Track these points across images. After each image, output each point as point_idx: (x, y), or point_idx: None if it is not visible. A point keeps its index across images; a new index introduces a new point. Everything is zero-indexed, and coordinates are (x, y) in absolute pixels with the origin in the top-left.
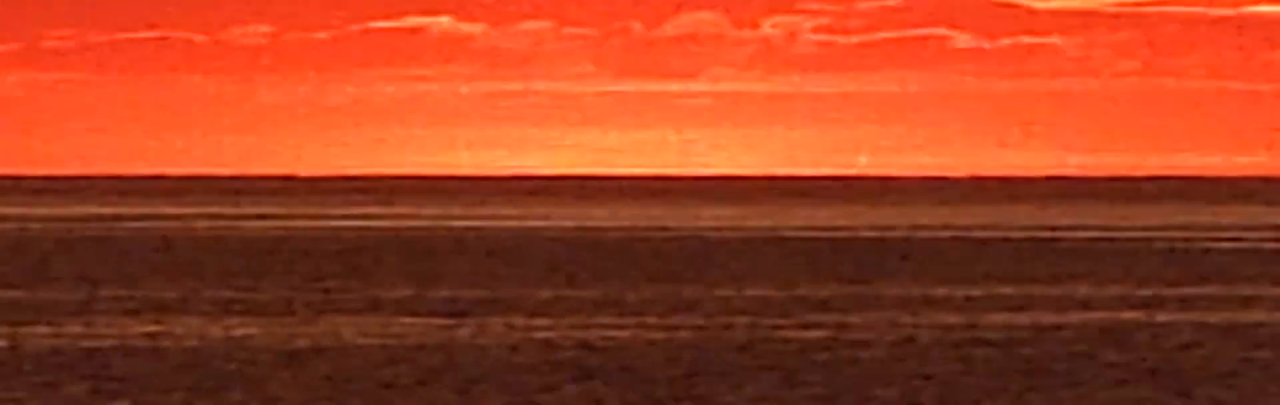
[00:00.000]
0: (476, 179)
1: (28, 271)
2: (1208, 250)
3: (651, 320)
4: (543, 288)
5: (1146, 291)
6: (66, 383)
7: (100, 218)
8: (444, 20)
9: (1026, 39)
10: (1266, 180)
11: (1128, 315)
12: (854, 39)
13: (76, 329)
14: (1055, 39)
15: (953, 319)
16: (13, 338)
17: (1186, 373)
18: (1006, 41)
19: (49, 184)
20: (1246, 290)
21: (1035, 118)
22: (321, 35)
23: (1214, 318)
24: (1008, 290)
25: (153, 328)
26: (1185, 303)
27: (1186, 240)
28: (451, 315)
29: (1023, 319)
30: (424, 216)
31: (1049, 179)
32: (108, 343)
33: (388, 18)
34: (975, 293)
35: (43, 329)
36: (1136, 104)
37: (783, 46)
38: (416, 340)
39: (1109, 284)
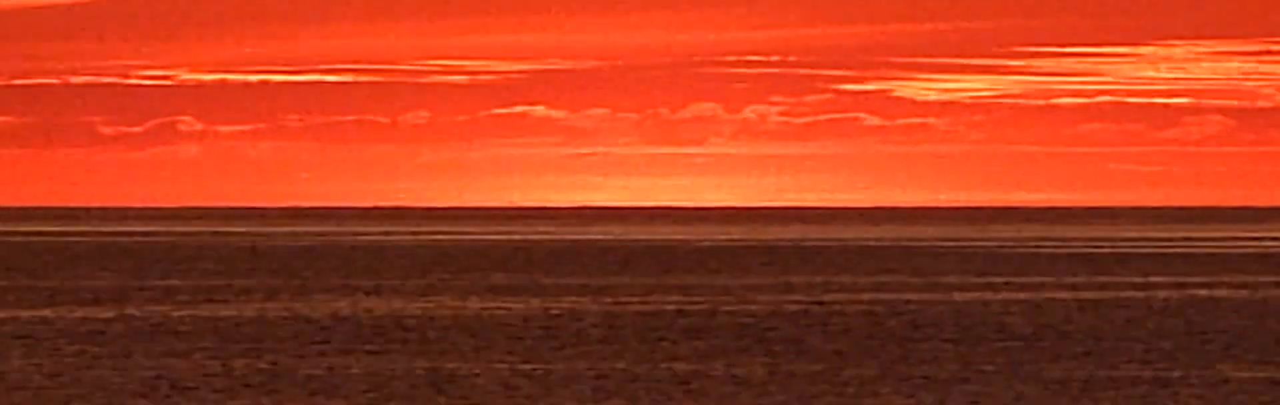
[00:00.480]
0: (560, 209)
1: (273, 268)
2: (1022, 254)
3: (670, 297)
4: (592, 277)
5: (982, 280)
6: (339, 341)
7: (323, 234)
8: (540, 108)
9: (913, 119)
10: (1066, 209)
11: (963, 296)
12: (802, 120)
13: (297, 305)
14: (931, 119)
15: (840, 296)
16: (262, 311)
17: (974, 332)
18: (900, 121)
19: (287, 213)
20: (1044, 278)
21: (917, 170)
22: (462, 118)
23: (1000, 296)
24: (892, 279)
25: (343, 304)
26: (999, 287)
27: (1010, 248)
28: (535, 295)
29: (890, 296)
30: (526, 232)
31: (924, 208)
32: (317, 313)
33: (505, 106)
34: (870, 280)
35: (272, 304)
36: (982, 161)
37: (757, 124)
38: (520, 312)
39: (952, 275)
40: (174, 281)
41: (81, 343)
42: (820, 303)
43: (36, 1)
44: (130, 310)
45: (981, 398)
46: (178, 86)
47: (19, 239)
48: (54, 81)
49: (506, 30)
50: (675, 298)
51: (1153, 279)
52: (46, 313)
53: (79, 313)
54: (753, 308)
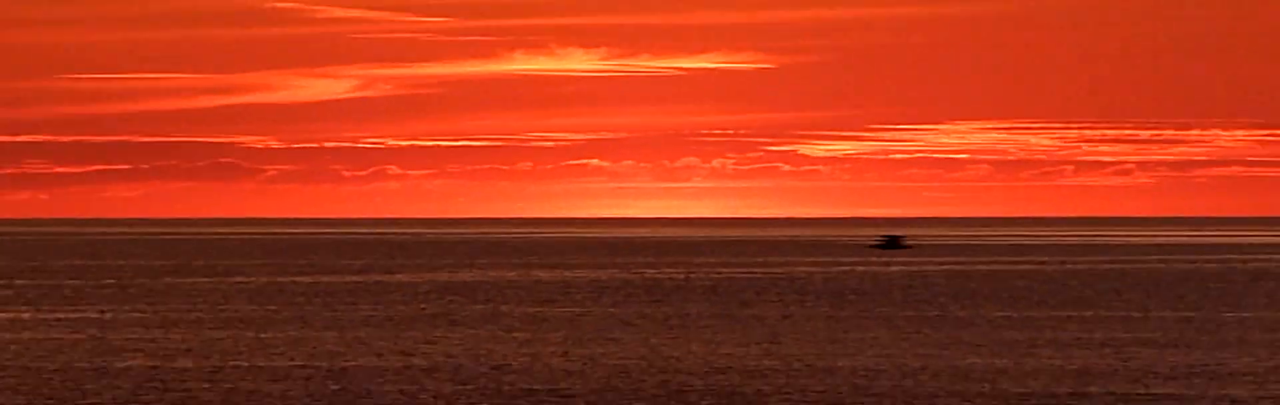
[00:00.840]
0: (606, 218)
1: (439, 253)
2: (868, 246)
3: (666, 270)
4: (624, 257)
5: (847, 259)
6: (474, 295)
7: (468, 234)
8: (595, 161)
9: (810, 167)
10: (899, 218)
11: (837, 269)
12: (746, 167)
13: (453, 275)
14: (820, 167)
15: (765, 269)
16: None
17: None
18: (803, 168)
19: (450, 222)
20: (883, 258)
21: (811, 196)
22: (550, 166)
23: (859, 269)
24: (796, 259)
25: (475, 274)
26: (858, 264)
27: (864, 241)
28: (589, 268)
29: (795, 269)
30: (587, 232)
31: (815, 218)
32: (463, 279)
33: (575, 159)
34: (783, 259)
35: (439, 275)
36: (850, 191)
37: (720, 170)
38: (582, 278)
39: (831, 256)
40: (384, 261)
41: (331, 296)
42: (753, 272)
43: (308, 100)
44: (356, 278)
45: (850, 330)
46: (387, 148)
47: (293, 237)
48: (314, 145)
49: (575, 116)
50: (670, 270)
51: (947, 258)
52: (310, 279)
53: (329, 279)
54: (716, 275)
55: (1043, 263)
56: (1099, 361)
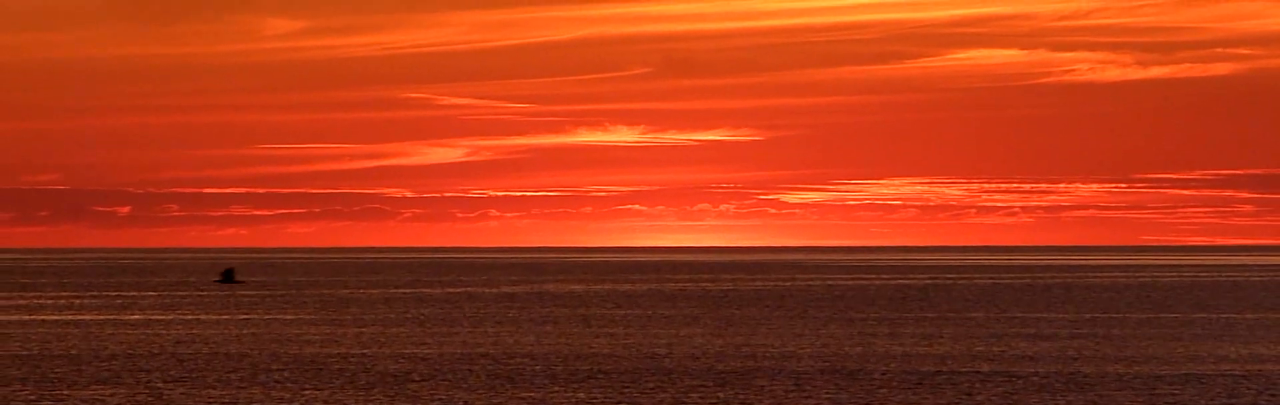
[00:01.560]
0: (647, 247)
1: (541, 271)
2: (833, 266)
3: (681, 284)
4: (661, 275)
5: (820, 276)
6: (563, 303)
7: (547, 257)
8: (636, 206)
9: (789, 211)
10: (854, 247)
11: (806, 283)
12: (744, 211)
13: (544, 286)
14: (796, 211)
15: (757, 284)
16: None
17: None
18: (784, 211)
19: (538, 249)
20: (842, 276)
21: (791, 232)
22: (606, 210)
23: (826, 283)
24: (778, 276)
25: (556, 285)
26: (827, 279)
27: (833, 264)
28: (628, 283)
29: (773, 284)
30: (628, 256)
31: (794, 247)
32: (546, 290)
33: (623, 205)
34: (767, 276)
35: (552, 287)
36: (819, 228)
37: (725, 213)
38: (629, 289)
39: (803, 274)
40: (484, 278)
41: (445, 303)
42: (746, 285)
43: (433, 163)
44: (460, 290)
45: (810, 326)
46: (489, 197)
47: (422, 260)
48: (437, 195)
49: (622, 174)
50: (684, 284)
51: (883, 276)
52: (433, 290)
53: (444, 291)
54: (723, 287)
55: (951, 279)
56: (984, 349)
